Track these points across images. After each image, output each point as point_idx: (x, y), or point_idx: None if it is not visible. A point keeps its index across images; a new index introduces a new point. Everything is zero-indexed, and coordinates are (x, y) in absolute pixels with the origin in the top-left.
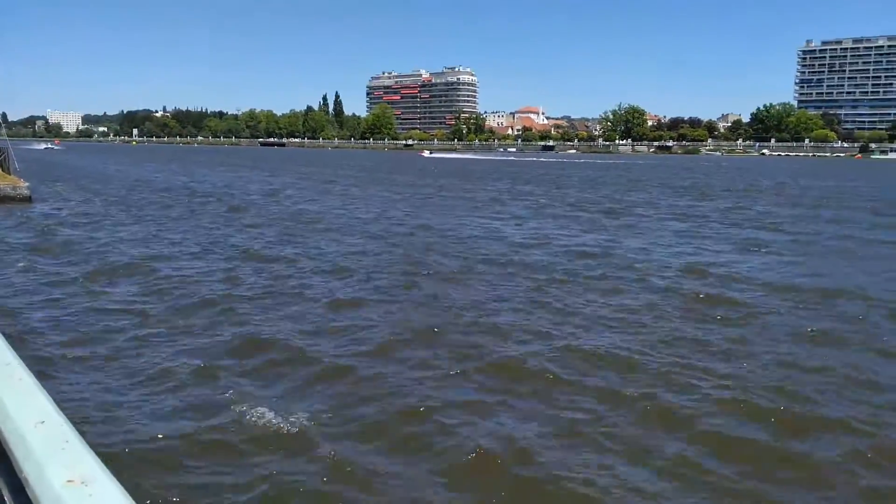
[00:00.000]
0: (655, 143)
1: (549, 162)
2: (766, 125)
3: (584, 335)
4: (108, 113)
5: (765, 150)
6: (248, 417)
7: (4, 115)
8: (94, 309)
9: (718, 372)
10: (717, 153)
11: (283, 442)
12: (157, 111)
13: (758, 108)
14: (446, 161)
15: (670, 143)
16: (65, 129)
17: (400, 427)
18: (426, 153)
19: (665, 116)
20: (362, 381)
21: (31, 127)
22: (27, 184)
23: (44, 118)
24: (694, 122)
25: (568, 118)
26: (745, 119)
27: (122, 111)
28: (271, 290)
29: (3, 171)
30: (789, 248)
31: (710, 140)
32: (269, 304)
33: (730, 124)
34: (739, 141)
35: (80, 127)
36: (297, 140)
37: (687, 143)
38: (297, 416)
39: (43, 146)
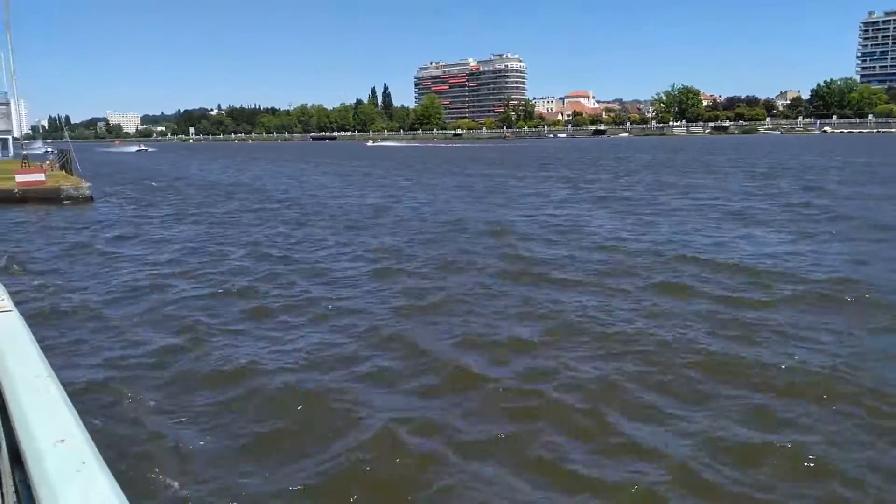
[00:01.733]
0: (711, 124)
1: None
2: (826, 102)
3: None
4: (165, 112)
5: (826, 128)
6: None
7: (67, 117)
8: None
9: None
10: (777, 132)
11: None
12: (212, 109)
13: (818, 85)
14: (387, 148)
15: (727, 123)
16: (125, 130)
17: None
18: (370, 143)
19: (721, 96)
20: None
21: (93, 128)
22: (89, 184)
23: (104, 119)
24: (751, 101)
25: (620, 101)
26: (805, 96)
27: (179, 110)
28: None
29: (66, 172)
30: None
31: (768, 119)
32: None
33: (789, 102)
34: (800, 119)
35: (140, 127)
36: (347, 133)
37: (744, 123)
38: None
39: (134, 149)
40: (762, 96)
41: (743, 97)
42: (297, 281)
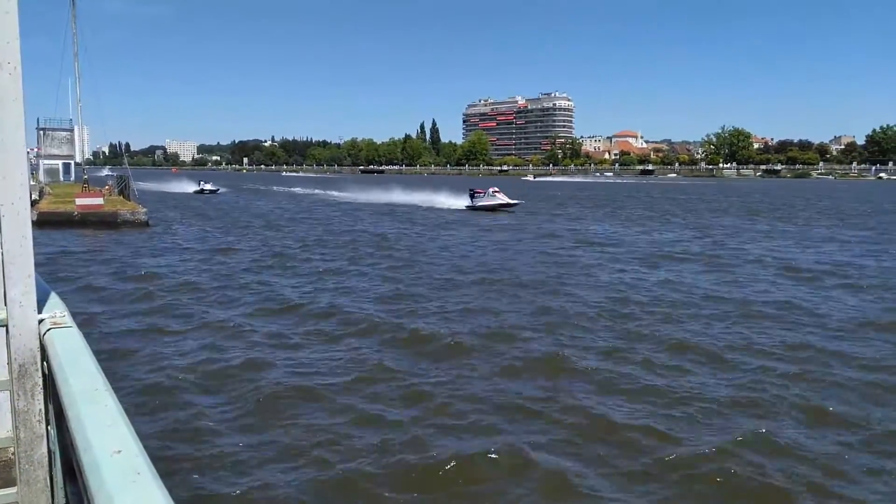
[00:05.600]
0: (762, 167)
1: None
2: (882, 147)
3: None
4: (220, 143)
5: (882, 174)
6: None
7: (128, 144)
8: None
9: None
10: (830, 177)
11: None
12: (265, 141)
13: (873, 130)
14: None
15: (778, 167)
16: (181, 158)
17: None
18: (284, 174)
19: (772, 139)
20: None
21: (151, 156)
22: (145, 209)
23: (163, 148)
24: (804, 145)
25: (668, 141)
26: (860, 142)
27: (234, 141)
28: None
29: (124, 197)
30: None
31: (821, 164)
32: None
33: (843, 147)
34: (854, 164)
35: (196, 156)
36: (395, 167)
37: (796, 167)
38: None
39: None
40: (815, 140)
41: (795, 141)
42: None
